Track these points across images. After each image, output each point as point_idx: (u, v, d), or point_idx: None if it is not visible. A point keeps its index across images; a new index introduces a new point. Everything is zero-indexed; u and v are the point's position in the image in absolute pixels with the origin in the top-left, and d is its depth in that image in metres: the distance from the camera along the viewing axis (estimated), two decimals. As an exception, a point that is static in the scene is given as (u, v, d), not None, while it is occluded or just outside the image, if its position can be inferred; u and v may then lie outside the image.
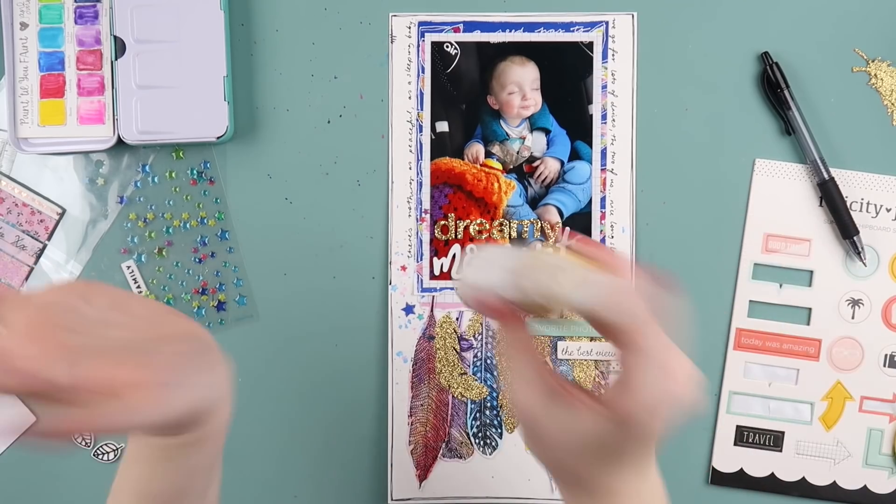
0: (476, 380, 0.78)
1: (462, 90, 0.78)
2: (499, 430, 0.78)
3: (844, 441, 0.77)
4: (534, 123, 0.78)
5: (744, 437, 0.78)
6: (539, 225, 0.78)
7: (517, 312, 0.51)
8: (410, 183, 0.78)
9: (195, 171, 0.78)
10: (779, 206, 0.77)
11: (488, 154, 0.78)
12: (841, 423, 0.77)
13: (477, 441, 0.78)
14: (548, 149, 0.78)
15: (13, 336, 0.44)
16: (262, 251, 0.78)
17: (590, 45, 0.77)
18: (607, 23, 0.77)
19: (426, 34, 0.77)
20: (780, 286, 0.77)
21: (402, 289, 0.78)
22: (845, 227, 0.76)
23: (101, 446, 0.79)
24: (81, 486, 0.79)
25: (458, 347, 0.78)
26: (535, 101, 0.78)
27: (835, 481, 0.77)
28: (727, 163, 0.77)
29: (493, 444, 0.78)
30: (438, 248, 0.78)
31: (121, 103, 0.75)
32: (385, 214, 0.78)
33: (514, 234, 0.78)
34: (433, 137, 0.78)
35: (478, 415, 0.78)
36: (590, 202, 0.78)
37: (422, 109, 0.78)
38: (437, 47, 0.78)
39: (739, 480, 0.78)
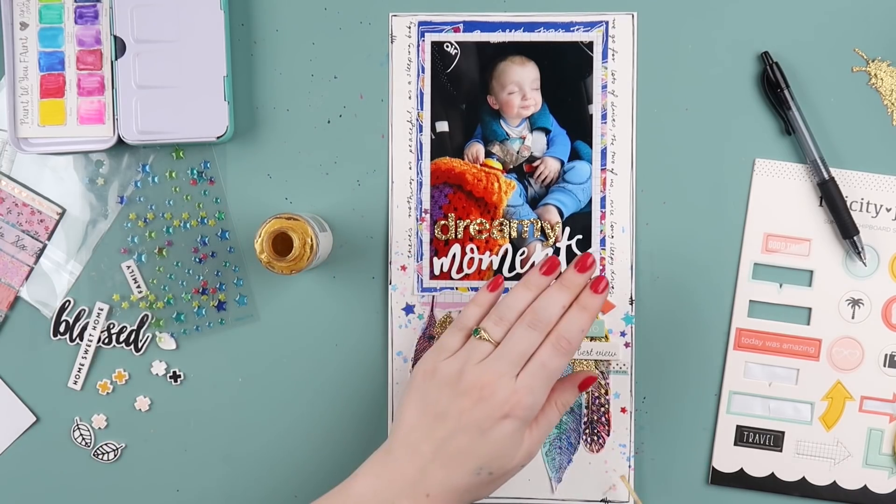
0: (476, 380, 0.78)
1: (462, 90, 0.78)
2: (499, 430, 0.78)
3: (844, 441, 0.77)
4: (534, 123, 0.78)
5: (744, 437, 0.78)
6: (539, 225, 0.78)
7: None
8: (410, 183, 0.78)
9: (195, 171, 0.78)
10: (779, 206, 0.77)
11: (488, 154, 0.78)
12: (841, 423, 0.77)
13: (477, 441, 0.78)
14: (548, 149, 0.78)
15: None
16: (262, 251, 0.78)
17: (590, 45, 0.77)
18: (607, 23, 0.77)
19: (426, 34, 0.78)
20: (780, 286, 0.77)
21: (402, 289, 0.78)
22: (845, 227, 0.76)
23: (100, 446, 0.79)
24: (81, 486, 0.79)
25: (458, 347, 0.78)
26: (535, 101, 0.78)
27: (835, 481, 0.77)
28: (727, 163, 0.77)
29: (493, 444, 0.78)
30: (438, 248, 0.78)
31: (121, 103, 0.75)
32: (385, 214, 0.78)
33: (514, 234, 0.78)
34: (433, 137, 0.78)
35: (478, 415, 0.78)
36: (590, 202, 0.78)
37: (422, 109, 0.78)
38: (437, 47, 0.78)
39: (739, 480, 0.78)
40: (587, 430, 0.78)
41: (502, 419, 0.64)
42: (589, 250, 0.77)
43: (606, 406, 0.78)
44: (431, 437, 0.65)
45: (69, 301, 0.78)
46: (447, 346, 0.68)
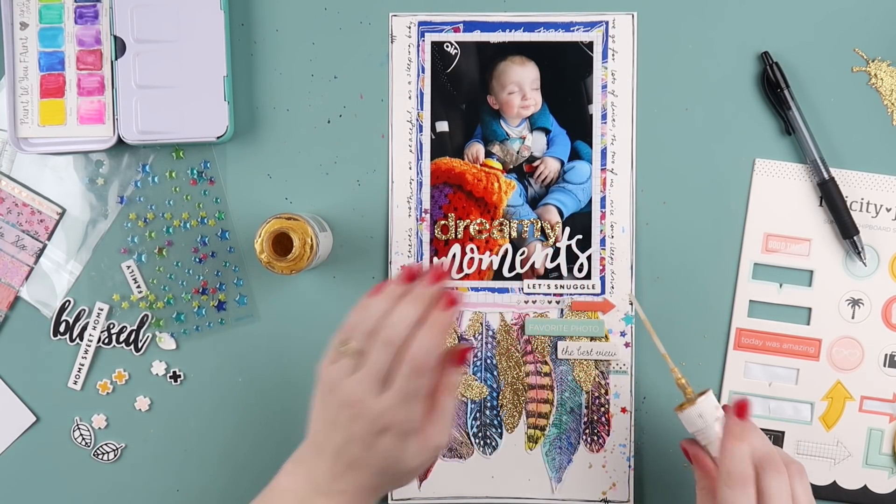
0: (476, 380, 0.78)
1: (462, 90, 0.78)
2: (499, 430, 0.78)
3: (844, 441, 0.77)
4: (534, 123, 0.78)
5: (744, 437, 0.77)
6: (539, 224, 0.78)
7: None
8: (410, 183, 0.78)
9: (195, 171, 0.78)
10: (779, 206, 0.77)
11: (488, 154, 0.78)
12: (841, 423, 0.77)
13: (477, 441, 0.78)
14: (548, 148, 0.78)
15: None
16: (262, 251, 0.78)
17: (590, 45, 0.77)
18: (607, 23, 0.77)
19: (426, 34, 0.78)
20: (780, 286, 0.77)
21: (402, 289, 0.78)
22: (845, 227, 0.76)
23: (100, 446, 0.79)
24: (81, 486, 0.79)
25: (458, 347, 0.78)
26: (535, 101, 0.78)
27: (835, 481, 0.77)
28: (727, 163, 0.77)
29: (493, 443, 0.78)
30: (438, 248, 0.78)
31: (121, 103, 0.75)
32: (385, 214, 0.78)
33: (514, 234, 0.78)
34: (433, 137, 0.78)
35: (478, 415, 0.78)
36: (590, 202, 0.78)
37: (422, 109, 0.78)
38: (437, 47, 0.78)
39: (739, 480, 0.78)
40: (587, 430, 0.78)
41: (381, 434, 0.61)
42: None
43: (606, 406, 0.78)
44: (331, 442, 0.63)
45: (69, 301, 0.78)
46: (331, 351, 0.65)
